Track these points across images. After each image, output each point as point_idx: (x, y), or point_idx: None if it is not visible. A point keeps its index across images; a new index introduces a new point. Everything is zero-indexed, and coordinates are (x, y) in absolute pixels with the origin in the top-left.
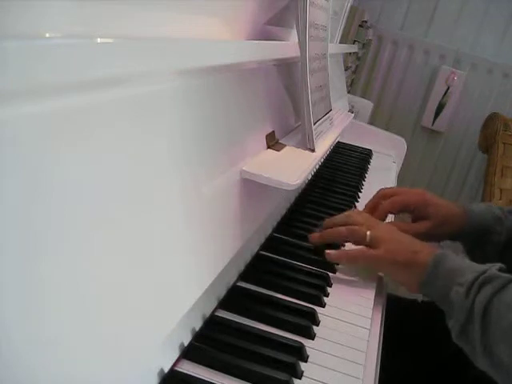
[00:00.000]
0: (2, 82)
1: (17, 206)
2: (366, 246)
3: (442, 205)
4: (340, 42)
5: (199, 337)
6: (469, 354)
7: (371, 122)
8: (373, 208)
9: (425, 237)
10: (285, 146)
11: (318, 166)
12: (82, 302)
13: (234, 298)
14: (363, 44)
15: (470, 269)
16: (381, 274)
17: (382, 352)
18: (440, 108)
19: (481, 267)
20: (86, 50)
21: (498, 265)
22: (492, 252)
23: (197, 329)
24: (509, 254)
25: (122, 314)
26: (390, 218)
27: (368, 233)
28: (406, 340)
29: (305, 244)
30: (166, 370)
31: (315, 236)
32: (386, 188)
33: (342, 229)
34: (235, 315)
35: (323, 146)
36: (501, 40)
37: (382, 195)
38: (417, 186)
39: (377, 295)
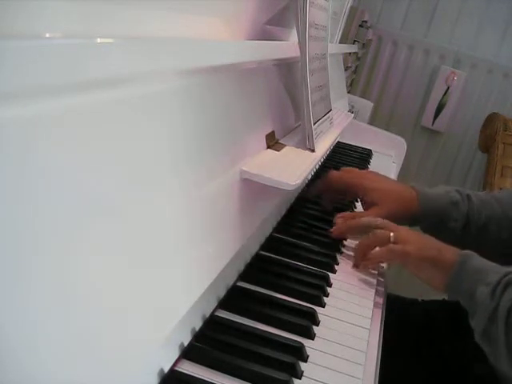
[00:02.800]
0: (1, 83)
1: (17, 205)
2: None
3: (385, 189)
4: (340, 42)
5: (199, 337)
6: (490, 354)
7: (371, 122)
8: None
9: None
10: (285, 145)
11: (317, 166)
12: (82, 302)
13: (234, 298)
14: (363, 44)
15: (495, 269)
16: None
17: (382, 352)
18: (440, 108)
19: (505, 268)
20: (86, 50)
21: None
22: (449, 238)
23: (197, 329)
24: (467, 239)
25: (121, 313)
26: None
27: (392, 234)
28: (406, 340)
29: (305, 244)
30: (166, 370)
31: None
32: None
33: (367, 238)
34: (235, 315)
35: (323, 146)
36: (501, 40)
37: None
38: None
39: (377, 295)
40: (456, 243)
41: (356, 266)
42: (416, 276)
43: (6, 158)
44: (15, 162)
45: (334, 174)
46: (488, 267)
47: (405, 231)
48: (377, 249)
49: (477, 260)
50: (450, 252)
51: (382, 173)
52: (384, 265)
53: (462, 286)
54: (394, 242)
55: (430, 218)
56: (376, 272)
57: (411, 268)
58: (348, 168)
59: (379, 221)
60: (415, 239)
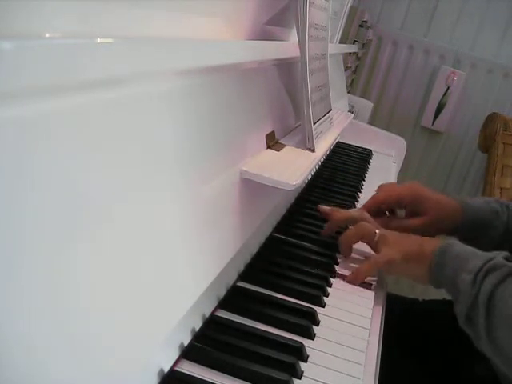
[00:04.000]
0: (2, 83)
1: (15, 206)
2: (372, 245)
3: (435, 199)
4: (340, 42)
5: (199, 337)
6: (473, 339)
7: (371, 122)
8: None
9: (421, 232)
10: (285, 145)
11: (317, 166)
12: (82, 302)
13: (233, 298)
14: (363, 44)
15: (476, 256)
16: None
17: (382, 352)
18: (440, 108)
19: (487, 255)
20: (86, 50)
21: (504, 253)
22: (489, 246)
23: (197, 329)
24: (506, 247)
25: (121, 313)
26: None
27: (377, 231)
28: (406, 340)
29: (305, 244)
30: (166, 370)
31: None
32: (385, 184)
33: (353, 230)
34: (235, 315)
35: (323, 146)
36: (501, 40)
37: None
38: (415, 182)
39: (377, 295)
40: (494, 249)
41: (349, 280)
42: (402, 276)
43: (5, 158)
44: (14, 162)
45: (381, 194)
46: (469, 254)
47: (388, 232)
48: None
49: (457, 247)
50: (430, 244)
51: (381, 173)
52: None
53: (445, 274)
54: (377, 240)
55: (473, 227)
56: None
57: (398, 271)
58: (388, 183)
59: (365, 215)
60: (397, 237)
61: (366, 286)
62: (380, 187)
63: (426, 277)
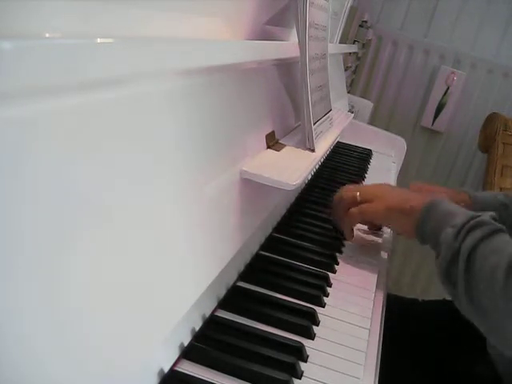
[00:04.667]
0: (2, 83)
1: (15, 206)
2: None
3: (442, 191)
4: (340, 42)
5: (199, 337)
6: (452, 296)
7: (371, 122)
8: None
9: None
10: (285, 145)
11: (317, 166)
12: (82, 302)
13: (233, 298)
14: (363, 44)
15: (462, 213)
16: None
17: (382, 352)
18: (440, 108)
19: (473, 213)
20: (86, 50)
21: (491, 213)
22: None
23: (197, 329)
24: None
25: (121, 313)
26: None
27: (357, 193)
28: (405, 340)
29: (305, 244)
30: (166, 369)
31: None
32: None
33: (337, 206)
34: (235, 315)
35: (323, 146)
36: (501, 40)
37: None
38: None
39: (377, 295)
40: None
41: (349, 238)
42: (387, 227)
43: (4, 158)
44: (14, 162)
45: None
46: (456, 210)
47: (371, 187)
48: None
49: (445, 204)
50: (417, 200)
51: (381, 173)
52: (385, 257)
53: (429, 228)
54: (362, 200)
55: None
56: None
57: (381, 221)
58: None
59: (345, 187)
60: (381, 191)
61: (369, 264)
62: None
63: (412, 231)
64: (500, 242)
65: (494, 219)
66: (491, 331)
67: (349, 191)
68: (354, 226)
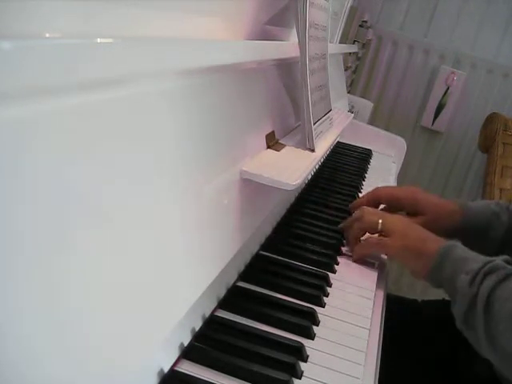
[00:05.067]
0: (2, 83)
1: (15, 206)
2: (379, 234)
3: (433, 200)
4: (340, 42)
5: (199, 337)
6: (472, 341)
7: (371, 122)
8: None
9: None
10: (285, 146)
11: (317, 166)
12: (82, 303)
13: (233, 298)
14: (363, 44)
15: (476, 258)
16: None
17: (381, 352)
18: (440, 108)
19: (487, 258)
20: (86, 50)
21: (505, 256)
22: (490, 248)
23: (197, 329)
24: (507, 249)
25: (121, 314)
26: None
27: (380, 221)
28: (405, 340)
29: (305, 244)
30: (166, 369)
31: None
32: (381, 186)
33: (357, 226)
34: (235, 315)
35: (323, 146)
36: (501, 40)
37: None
38: (417, 186)
39: (377, 295)
40: (496, 253)
41: (355, 259)
42: (401, 265)
43: (4, 158)
44: (13, 162)
45: (382, 188)
46: (469, 256)
47: (394, 218)
48: (367, 235)
49: (460, 249)
50: (434, 242)
51: (381, 173)
52: (385, 257)
53: (444, 274)
54: (381, 230)
55: (472, 230)
56: (375, 263)
57: (396, 258)
58: (385, 186)
59: (369, 210)
60: (402, 226)
61: (369, 264)
62: (376, 189)
63: (424, 273)
64: None
65: (507, 262)
66: None
67: (371, 216)
68: (367, 254)
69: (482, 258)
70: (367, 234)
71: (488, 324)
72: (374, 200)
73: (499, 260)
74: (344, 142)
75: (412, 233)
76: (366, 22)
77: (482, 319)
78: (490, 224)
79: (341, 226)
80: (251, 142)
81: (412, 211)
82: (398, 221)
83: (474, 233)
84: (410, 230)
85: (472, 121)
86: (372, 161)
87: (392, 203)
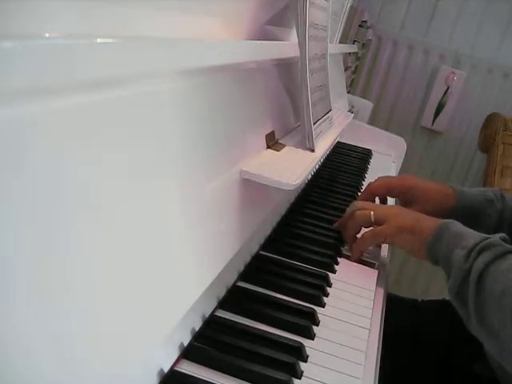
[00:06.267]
0: (2, 83)
1: (15, 206)
2: (373, 226)
3: (425, 186)
4: (340, 42)
5: (199, 337)
6: (463, 317)
7: (371, 122)
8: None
9: None
10: (284, 146)
11: (317, 166)
12: (82, 303)
13: (233, 298)
14: (363, 44)
15: (473, 234)
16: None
17: (382, 352)
18: (440, 108)
19: (484, 235)
20: (86, 50)
21: (501, 234)
22: (483, 233)
23: (197, 329)
24: None
25: (121, 314)
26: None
27: (372, 213)
28: (405, 339)
29: (305, 244)
30: (166, 370)
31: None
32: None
33: (350, 223)
34: (235, 315)
35: (323, 146)
36: (501, 40)
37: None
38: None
39: (377, 295)
40: None
41: (354, 258)
42: (400, 247)
43: (3, 158)
44: (13, 163)
45: (373, 183)
46: (466, 232)
47: (385, 208)
48: (363, 230)
49: (457, 226)
50: (429, 220)
51: (381, 173)
52: (385, 257)
53: (440, 250)
54: (375, 220)
55: (466, 215)
56: (376, 263)
57: (394, 242)
58: (385, 176)
59: (359, 204)
60: (394, 213)
61: (370, 264)
62: (368, 185)
63: (423, 252)
64: (510, 265)
65: (505, 240)
66: (503, 351)
67: (362, 209)
68: (365, 249)
69: (479, 235)
70: (363, 230)
71: (478, 300)
72: (368, 196)
73: (496, 237)
74: (344, 141)
75: (406, 214)
76: (365, 22)
77: (473, 294)
78: (484, 210)
79: (335, 225)
80: (251, 141)
81: (406, 198)
82: (389, 208)
83: (467, 218)
84: (403, 212)
85: (472, 121)
86: (372, 161)
87: (386, 194)
